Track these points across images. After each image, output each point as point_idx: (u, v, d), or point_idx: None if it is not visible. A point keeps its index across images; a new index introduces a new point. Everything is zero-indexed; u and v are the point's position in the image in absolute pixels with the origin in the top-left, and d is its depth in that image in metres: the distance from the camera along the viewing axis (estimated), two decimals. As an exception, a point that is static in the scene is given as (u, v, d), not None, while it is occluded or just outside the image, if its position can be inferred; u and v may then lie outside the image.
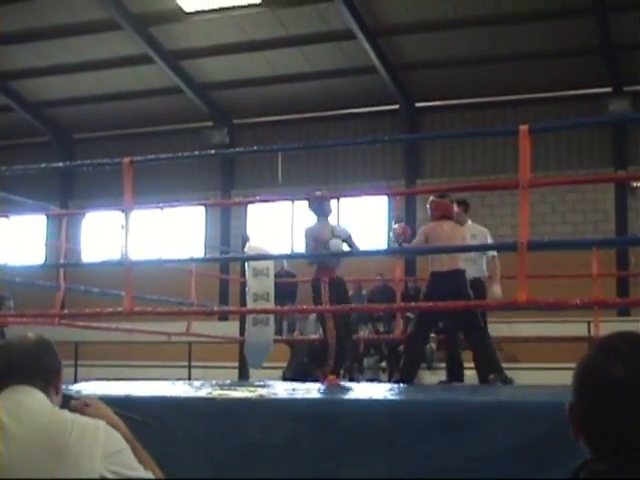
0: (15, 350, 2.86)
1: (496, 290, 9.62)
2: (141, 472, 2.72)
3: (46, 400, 2.78)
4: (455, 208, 9.22)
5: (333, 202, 9.57)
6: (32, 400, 2.72)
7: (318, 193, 9.39)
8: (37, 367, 2.82)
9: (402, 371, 8.92)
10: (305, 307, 12.62)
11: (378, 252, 16.20)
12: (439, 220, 8.94)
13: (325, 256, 8.81)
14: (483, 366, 8.71)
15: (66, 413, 2.73)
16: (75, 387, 5.29)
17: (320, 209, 9.10)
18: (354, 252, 9.22)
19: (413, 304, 12.33)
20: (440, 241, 8.70)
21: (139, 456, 2.80)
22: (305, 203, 9.44)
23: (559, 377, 11.76)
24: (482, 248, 9.42)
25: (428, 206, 9.14)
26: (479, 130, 19.98)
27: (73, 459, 2.57)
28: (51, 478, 2.54)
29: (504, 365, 9.45)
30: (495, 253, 9.56)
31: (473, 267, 9.27)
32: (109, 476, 2.60)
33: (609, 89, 19.09)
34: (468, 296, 8.66)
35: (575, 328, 13.90)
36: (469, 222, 9.82)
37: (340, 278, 9.14)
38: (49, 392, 2.82)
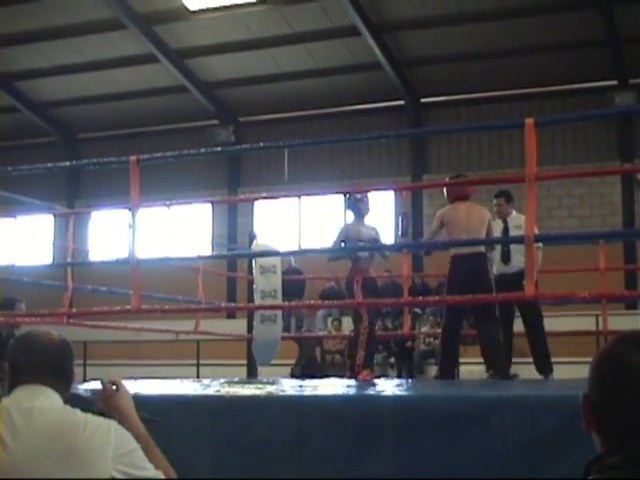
0: (39, 348, 2.82)
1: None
2: (151, 472, 2.71)
3: (59, 400, 2.76)
4: (495, 201, 9.31)
5: (371, 201, 9.58)
6: (45, 399, 2.71)
7: (358, 195, 9.39)
8: (59, 368, 2.81)
9: (441, 367, 8.84)
10: (313, 303, 12.63)
11: (392, 247, 16.18)
12: (454, 202, 8.79)
13: (343, 252, 8.92)
14: (485, 360, 8.67)
15: (78, 413, 2.71)
16: (84, 386, 5.29)
17: (356, 208, 9.16)
18: (367, 248, 9.17)
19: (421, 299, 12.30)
20: (455, 225, 8.56)
21: (152, 454, 2.80)
22: (312, 199, 9.57)
23: (568, 371, 11.76)
24: (491, 242, 9.20)
25: (445, 190, 9.09)
26: (485, 124, 19.96)
27: (84, 459, 2.56)
28: (62, 478, 2.53)
29: (513, 360, 9.45)
30: (540, 245, 8.78)
31: (521, 258, 8.73)
32: (119, 476, 2.59)
33: (615, 82, 19.03)
34: (488, 281, 8.58)
35: (583, 322, 13.89)
36: (514, 213, 9.46)
37: (372, 277, 9.22)
38: (64, 393, 2.81)
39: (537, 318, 9.09)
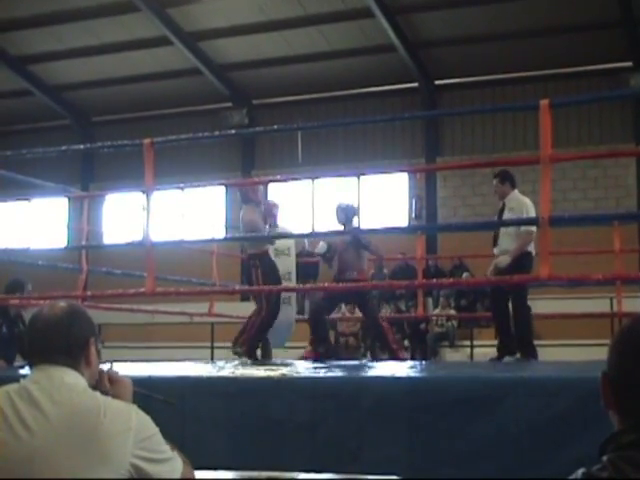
0: (42, 325, 2.79)
1: (503, 259, 8.69)
2: (169, 454, 2.72)
3: (79, 380, 2.73)
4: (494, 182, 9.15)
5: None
6: (66, 380, 2.67)
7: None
8: (65, 342, 2.75)
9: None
10: (327, 285, 12.61)
11: (405, 229, 16.21)
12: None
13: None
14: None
15: (98, 396, 2.68)
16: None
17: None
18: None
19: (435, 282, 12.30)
20: None
21: None
22: (326, 181, 9.72)
23: (582, 353, 11.76)
24: (501, 224, 9.14)
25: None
26: (499, 106, 19.87)
27: (104, 444, 2.54)
28: (82, 464, 2.52)
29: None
30: (532, 228, 8.59)
31: (508, 241, 8.78)
32: (137, 462, 2.59)
33: (630, 63, 18.92)
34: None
35: (598, 304, 13.85)
36: (511, 193, 9.06)
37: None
38: (80, 367, 2.77)
39: (519, 300, 8.86)
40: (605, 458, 1.73)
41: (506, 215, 8.87)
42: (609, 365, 1.81)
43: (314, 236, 9.21)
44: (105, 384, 2.89)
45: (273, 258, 9.98)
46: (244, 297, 19.67)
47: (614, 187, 19.18)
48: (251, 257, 9.00)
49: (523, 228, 8.63)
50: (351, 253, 9.39)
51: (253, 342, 8.97)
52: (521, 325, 8.77)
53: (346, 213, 9.52)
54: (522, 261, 8.58)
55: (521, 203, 8.89)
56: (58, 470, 2.49)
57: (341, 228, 9.57)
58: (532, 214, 8.67)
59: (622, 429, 1.76)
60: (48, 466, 2.50)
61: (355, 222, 9.57)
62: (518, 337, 8.76)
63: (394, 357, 9.28)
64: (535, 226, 8.47)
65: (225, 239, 16.45)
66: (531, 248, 8.75)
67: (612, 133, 19.20)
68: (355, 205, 9.66)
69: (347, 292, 9.43)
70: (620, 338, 1.81)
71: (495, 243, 9.04)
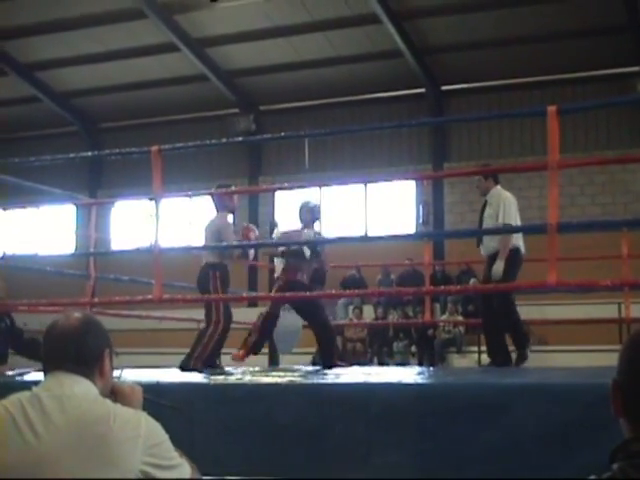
0: (58, 334, 2.80)
1: (497, 267, 8.39)
2: (178, 460, 2.73)
3: (91, 388, 2.75)
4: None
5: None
6: (77, 388, 2.69)
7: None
8: (80, 352, 2.76)
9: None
10: (334, 292, 12.63)
11: (413, 236, 16.20)
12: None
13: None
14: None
15: (108, 403, 2.69)
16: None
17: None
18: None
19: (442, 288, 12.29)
20: None
21: None
22: (333, 188, 9.36)
23: (590, 359, 11.74)
24: (513, 231, 9.02)
25: None
26: (507, 112, 19.86)
27: (114, 451, 2.55)
28: (91, 471, 2.53)
29: (535, 348, 9.42)
30: (510, 222, 8.37)
31: (490, 243, 8.56)
32: (146, 468, 2.60)
33: (637, 68, 18.89)
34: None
35: (606, 310, 13.83)
36: (493, 189, 8.79)
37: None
38: (93, 376, 2.79)
39: (501, 308, 8.52)
40: (615, 466, 1.72)
41: (486, 212, 8.71)
42: (619, 372, 1.80)
43: (322, 242, 9.10)
44: (109, 395, 2.89)
45: (281, 264, 9.95)
46: (251, 303, 19.69)
47: (622, 193, 19.15)
48: (210, 266, 8.44)
49: (500, 221, 8.42)
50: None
51: (211, 354, 8.49)
52: (500, 331, 8.67)
53: (312, 213, 9.07)
54: (510, 259, 8.39)
55: (499, 197, 8.66)
56: (67, 476, 2.50)
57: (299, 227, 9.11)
58: (510, 208, 8.51)
59: (632, 437, 1.75)
60: (57, 472, 2.51)
61: (316, 225, 9.21)
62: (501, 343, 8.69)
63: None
64: (514, 220, 8.46)
65: (233, 246, 16.45)
66: (519, 243, 8.56)
67: (619, 138, 19.16)
68: (319, 206, 9.33)
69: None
70: (630, 345, 1.80)
71: (479, 243, 8.84)
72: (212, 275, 8.36)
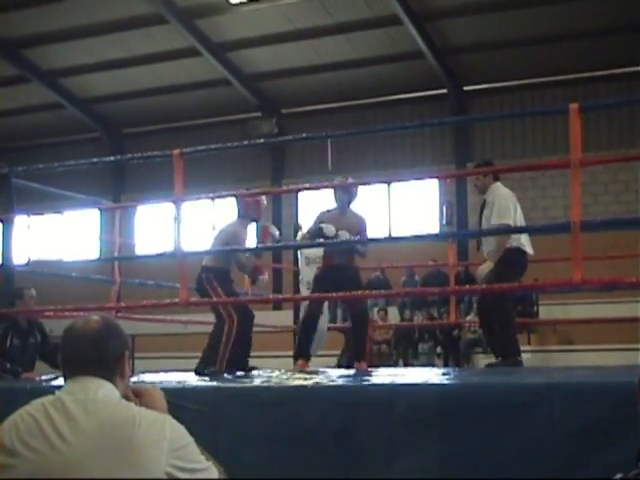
0: (78, 337, 2.80)
1: (482, 268, 8.14)
2: (204, 464, 2.73)
3: (114, 391, 2.75)
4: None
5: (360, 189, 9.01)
6: (100, 392, 2.69)
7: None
8: (101, 356, 2.76)
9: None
10: (359, 293, 12.60)
11: (437, 236, 16.17)
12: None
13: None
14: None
15: (133, 407, 2.70)
16: (133, 379, 5.34)
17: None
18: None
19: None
20: None
21: None
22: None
23: (616, 358, 11.67)
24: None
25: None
26: (529, 110, 19.80)
27: (140, 454, 2.55)
28: (118, 473, 2.54)
29: (560, 347, 9.37)
30: (505, 221, 7.90)
31: (490, 239, 8.14)
32: (172, 471, 2.60)
33: (660, 65, 18.82)
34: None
35: (631, 309, 13.74)
36: (492, 186, 8.26)
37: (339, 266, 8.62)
38: (115, 379, 2.79)
39: (499, 307, 8.05)
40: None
41: (485, 211, 8.24)
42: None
43: (345, 244, 8.99)
44: (131, 397, 2.89)
45: (305, 266, 9.96)
46: (276, 306, 19.72)
47: (646, 190, 19.05)
48: (203, 269, 8.30)
49: (494, 221, 7.96)
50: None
51: (240, 357, 8.29)
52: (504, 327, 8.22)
53: (349, 194, 8.65)
54: (510, 259, 7.99)
55: (496, 194, 8.18)
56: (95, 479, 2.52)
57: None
58: (508, 206, 8.04)
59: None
60: (84, 476, 2.52)
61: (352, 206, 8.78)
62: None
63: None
64: (511, 218, 7.97)
65: (257, 249, 16.48)
66: (520, 242, 8.08)
67: (643, 135, 19.07)
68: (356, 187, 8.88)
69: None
70: None
71: (479, 246, 8.50)
72: (205, 278, 8.24)
